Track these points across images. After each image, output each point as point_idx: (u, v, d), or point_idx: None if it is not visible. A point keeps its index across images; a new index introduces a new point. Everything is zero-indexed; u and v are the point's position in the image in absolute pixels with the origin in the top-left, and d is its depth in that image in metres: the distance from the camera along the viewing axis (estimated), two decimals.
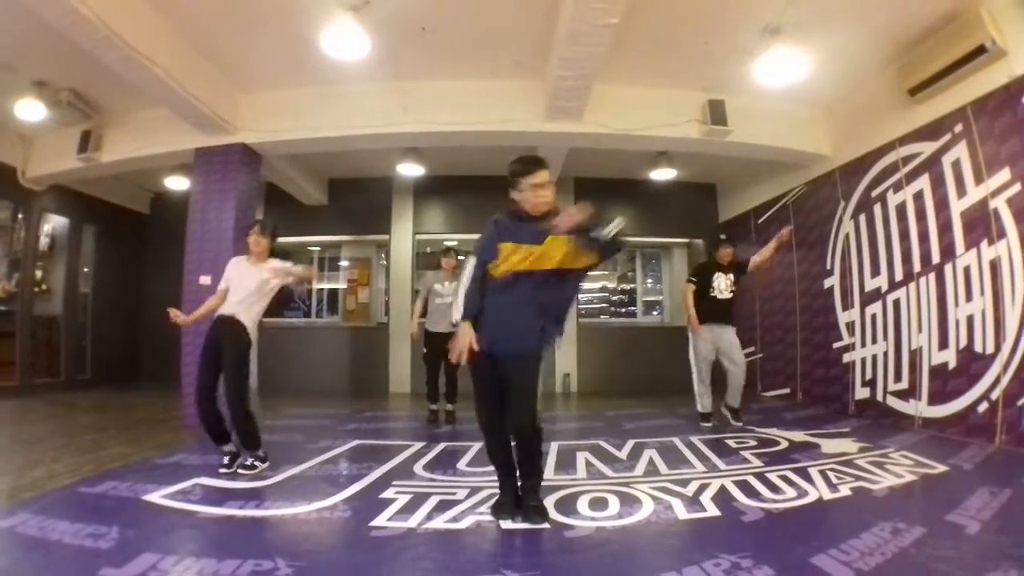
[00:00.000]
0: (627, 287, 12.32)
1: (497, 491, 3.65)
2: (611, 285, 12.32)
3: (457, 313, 3.67)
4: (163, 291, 10.32)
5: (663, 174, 9.18)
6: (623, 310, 12.07)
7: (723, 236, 7.02)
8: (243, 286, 4.76)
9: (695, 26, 5.97)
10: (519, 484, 3.54)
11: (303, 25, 5.74)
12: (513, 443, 3.46)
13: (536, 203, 3.41)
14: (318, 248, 12.16)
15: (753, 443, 5.57)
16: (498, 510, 3.53)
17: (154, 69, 5.77)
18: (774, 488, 4.05)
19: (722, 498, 3.84)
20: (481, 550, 3.07)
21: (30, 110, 7.06)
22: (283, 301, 10.95)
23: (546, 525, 3.34)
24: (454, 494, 3.96)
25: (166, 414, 7.31)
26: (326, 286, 12.23)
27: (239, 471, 4.53)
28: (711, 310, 6.61)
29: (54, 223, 10.05)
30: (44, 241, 9.82)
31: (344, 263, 12.02)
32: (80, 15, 4.81)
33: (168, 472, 4.53)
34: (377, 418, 7.65)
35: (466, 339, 3.34)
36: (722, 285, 6.63)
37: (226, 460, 4.61)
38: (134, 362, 11.53)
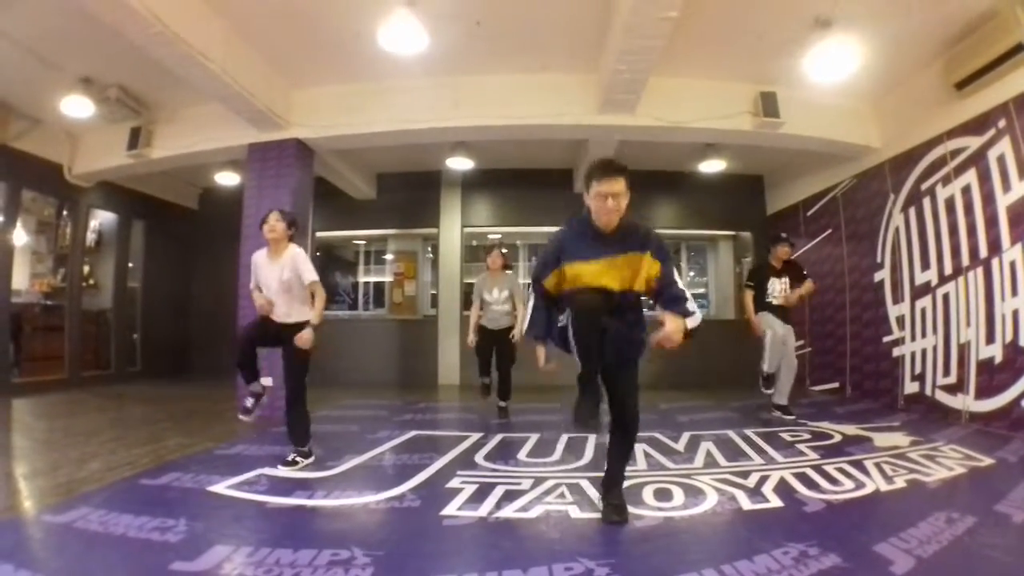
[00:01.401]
0: None
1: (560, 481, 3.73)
2: None
3: (524, 326, 3.61)
4: (212, 285, 10.69)
5: (711, 166, 9.09)
6: None
7: (783, 235, 6.91)
8: (268, 286, 4.60)
9: (749, 18, 5.94)
10: (604, 474, 3.49)
11: (356, 20, 5.80)
12: (611, 437, 3.49)
13: (600, 213, 3.22)
14: (364, 242, 12.29)
15: (807, 436, 5.56)
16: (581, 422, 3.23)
17: (209, 65, 5.79)
18: (832, 480, 4.07)
19: (783, 489, 3.87)
20: (554, 539, 3.09)
21: (78, 107, 7.08)
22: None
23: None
24: (519, 484, 4.01)
25: (221, 405, 7.37)
26: (372, 279, 12.35)
27: (279, 466, 4.42)
28: (767, 312, 6.66)
29: (100, 219, 10.21)
30: (91, 237, 9.96)
31: (389, 256, 12.13)
32: (131, 9, 4.79)
33: (230, 463, 4.55)
34: (431, 409, 7.74)
35: (545, 365, 3.45)
36: (776, 290, 6.65)
37: (249, 403, 4.62)
38: (185, 354, 11.69)
